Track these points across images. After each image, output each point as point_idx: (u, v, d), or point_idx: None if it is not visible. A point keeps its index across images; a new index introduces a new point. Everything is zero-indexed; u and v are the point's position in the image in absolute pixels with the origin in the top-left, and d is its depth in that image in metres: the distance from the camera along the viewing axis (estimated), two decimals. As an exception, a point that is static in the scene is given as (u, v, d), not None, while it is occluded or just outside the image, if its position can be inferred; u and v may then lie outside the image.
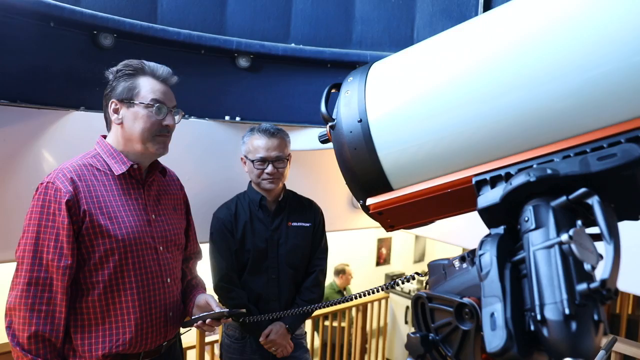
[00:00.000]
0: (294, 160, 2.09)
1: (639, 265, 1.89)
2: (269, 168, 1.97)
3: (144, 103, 1.42)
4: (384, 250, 8.09)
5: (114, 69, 1.47)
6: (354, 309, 4.63)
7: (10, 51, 1.83)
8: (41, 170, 1.91)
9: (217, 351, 2.84)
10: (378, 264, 7.92)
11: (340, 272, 5.84)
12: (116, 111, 1.44)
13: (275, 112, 2.35)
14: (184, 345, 2.62)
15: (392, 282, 0.98)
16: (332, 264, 6.21)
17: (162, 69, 1.48)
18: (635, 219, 0.65)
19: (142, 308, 1.43)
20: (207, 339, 2.88)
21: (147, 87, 1.44)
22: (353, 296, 1.14)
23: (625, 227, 0.61)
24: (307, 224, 2.10)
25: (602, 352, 1.88)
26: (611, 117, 0.61)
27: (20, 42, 1.85)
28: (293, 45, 2.29)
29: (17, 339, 1.30)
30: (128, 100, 1.43)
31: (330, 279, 5.77)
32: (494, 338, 0.53)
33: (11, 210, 1.84)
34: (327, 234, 2.21)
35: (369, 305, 4.65)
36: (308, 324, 3.85)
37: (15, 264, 1.35)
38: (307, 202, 2.18)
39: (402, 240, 8.07)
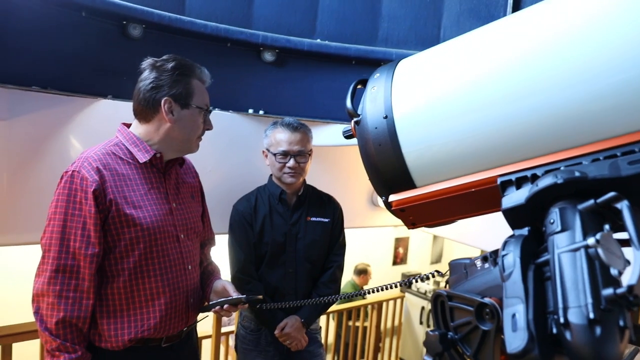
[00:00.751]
0: (315, 155, 2.09)
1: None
2: (291, 162, 1.97)
3: (200, 107, 1.47)
4: (401, 250, 8.06)
5: (164, 64, 1.43)
6: (369, 307, 4.63)
7: (42, 39, 1.87)
8: (67, 155, 1.95)
9: (231, 342, 2.87)
10: (395, 263, 7.89)
11: (362, 272, 5.82)
12: (170, 110, 1.42)
13: (299, 106, 2.35)
14: (199, 335, 2.68)
15: (409, 279, 0.98)
16: (348, 261, 6.19)
17: (207, 74, 1.51)
18: (664, 225, 0.64)
19: (165, 294, 1.46)
20: (223, 330, 2.91)
21: (200, 91, 1.48)
22: (370, 290, 1.14)
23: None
24: (326, 220, 2.10)
25: (621, 362, 1.85)
26: (644, 121, 0.59)
27: (52, 30, 1.88)
28: (319, 40, 2.29)
29: (45, 324, 1.33)
30: (184, 101, 1.43)
31: (348, 277, 5.76)
32: (515, 339, 0.53)
33: (40, 193, 1.88)
34: (345, 231, 2.21)
35: (384, 304, 4.63)
36: (323, 320, 3.87)
37: (39, 247, 1.39)
38: (326, 197, 2.18)
39: (420, 240, 8.02)
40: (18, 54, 1.82)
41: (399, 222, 0.85)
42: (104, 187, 1.36)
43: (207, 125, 1.52)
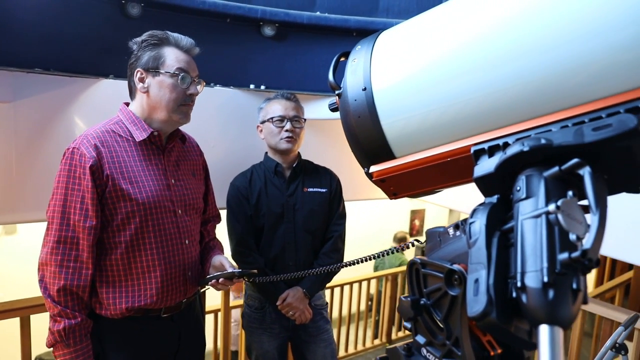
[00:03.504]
0: (318, 129, 2.11)
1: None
2: (288, 125, 2.01)
3: (170, 72, 1.47)
4: (417, 222, 8.08)
5: (138, 39, 1.51)
6: (383, 278, 4.68)
7: (43, 22, 1.89)
8: (72, 134, 1.99)
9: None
10: (411, 235, 7.92)
11: (401, 239, 5.85)
12: (141, 80, 1.49)
13: (300, 80, 2.34)
14: (208, 309, 2.75)
15: (390, 249, 1.00)
16: (364, 234, 6.24)
17: (186, 40, 1.52)
18: (637, 191, 0.64)
19: (161, 267, 1.51)
20: (232, 303, 2.98)
21: (172, 57, 1.49)
22: (356, 260, 1.16)
23: None
24: (323, 190, 2.12)
25: (620, 328, 1.86)
26: (612, 86, 0.59)
27: (53, 12, 1.90)
28: (318, 13, 2.27)
29: (48, 291, 1.40)
30: (154, 69, 1.47)
31: (355, 247, 5.80)
32: (475, 303, 0.55)
33: (47, 172, 1.94)
34: (356, 203, 2.22)
35: (400, 275, 4.68)
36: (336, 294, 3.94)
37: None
38: (322, 169, 2.20)
39: (436, 212, 8.02)
40: (20, 37, 1.85)
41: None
42: (101, 163, 1.41)
43: (189, 91, 1.51)
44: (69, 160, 1.42)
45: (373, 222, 7.01)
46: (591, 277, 5.48)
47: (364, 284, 4.52)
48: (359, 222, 5.81)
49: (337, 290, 4.08)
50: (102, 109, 1.88)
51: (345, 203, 2.22)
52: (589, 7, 0.59)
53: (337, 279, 3.95)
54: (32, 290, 2.36)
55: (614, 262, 5.42)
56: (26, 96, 1.90)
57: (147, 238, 1.48)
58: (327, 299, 3.75)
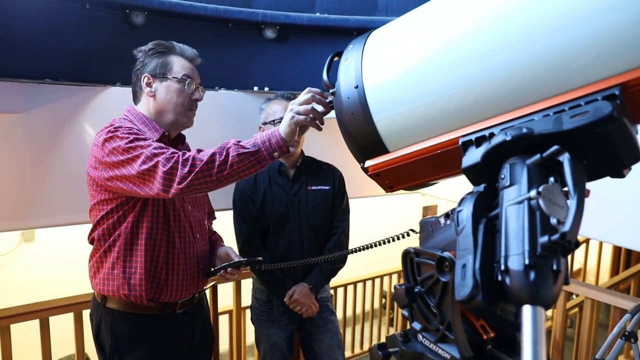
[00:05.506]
0: (324, 127, 2.13)
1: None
2: None
3: (177, 78, 1.54)
4: (429, 219, 8.02)
5: (144, 47, 1.58)
6: (395, 275, 4.67)
7: (50, 34, 1.95)
8: (83, 141, 2.05)
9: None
10: (424, 231, 7.86)
11: None
12: (149, 85, 1.55)
13: (303, 81, 2.37)
14: (221, 310, 2.79)
15: (385, 239, 1.02)
16: (375, 231, 6.22)
17: (190, 50, 1.61)
18: (621, 175, 0.66)
19: (173, 261, 1.57)
20: (243, 304, 3.02)
21: (179, 64, 1.56)
22: (353, 250, 1.18)
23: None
24: (327, 187, 2.15)
25: (627, 316, 1.85)
26: (590, 75, 0.61)
27: (59, 24, 1.96)
28: (318, 14, 2.30)
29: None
30: (161, 75, 1.54)
31: (358, 243, 5.80)
32: (463, 287, 0.57)
33: (60, 178, 1.99)
34: (367, 201, 2.24)
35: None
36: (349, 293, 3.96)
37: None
38: (325, 166, 2.23)
39: (448, 208, 7.96)
40: (28, 49, 1.91)
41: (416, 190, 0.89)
42: None
43: (194, 96, 1.58)
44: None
45: (385, 220, 7.00)
46: (606, 267, 5.44)
47: (377, 281, 4.52)
48: (370, 220, 5.80)
49: (350, 288, 4.10)
50: (110, 116, 1.93)
51: (354, 200, 2.25)
52: (564, 2, 0.61)
53: (349, 277, 3.96)
54: (50, 297, 2.43)
55: (629, 252, 5.37)
56: (38, 106, 1.96)
57: (160, 234, 1.54)
58: (340, 298, 3.78)
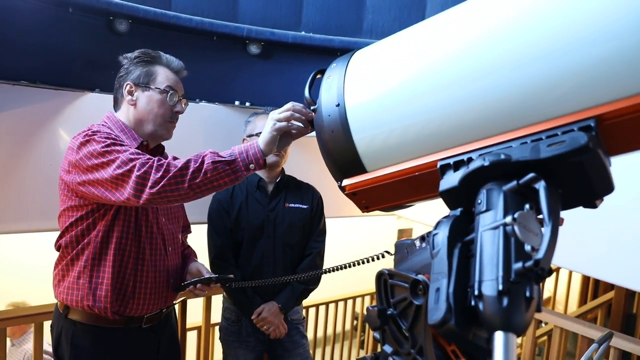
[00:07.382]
0: (304, 146, 2.13)
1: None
2: None
3: (160, 88, 1.52)
4: (403, 242, 8.04)
5: (131, 55, 1.56)
6: (367, 297, 4.64)
7: (31, 35, 1.92)
8: (57, 147, 2.00)
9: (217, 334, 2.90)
10: (398, 254, 7.86)
11: None
12: (130, 93, 1.52)
13: (285, 98, 2.34)
14: (190, 326, 2.73)
15: (361, 260, 1.02)
16: (351, 253, 6.19)
17: (177, 62, 1.59)
18: (593, 206, 0.67)
19: (142, 274, 1.52)
20: (213, 321, 2.95)
21: (163, 75, 1.54)
22: (327, 270, 1.18)
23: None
24: (305, 206, 2.14)
25: (594, 346, 1.87)
26: (567, 107, 0.62)
27: (40, 26, 1.93)
28: (303, 33, 2.32)
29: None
30: (144, 84, 1.52)
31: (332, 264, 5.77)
32: (436, 311, 0.57)
33: (30, 184, 1.94)
34: (343, 220, 2.24)
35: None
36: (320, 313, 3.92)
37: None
38: (305, 185, 2.22)
39: (423, 232, 8.00)
40: (6, 49, 1.87)
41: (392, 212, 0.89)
42: None
43: (176, 108, 1.56)
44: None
45: (360, 242, 7.00)
46: (574, 297, 5.52)
47: (350, 302, 4.49)
48: (344, 241, 5.79)
49: (322, 309, 4.06)
50: (87, 122, 1.89)
51: (330, 221, 2.24)
52: (550, 31, 0.62)
53: (321, 298, 3.92)
54: (11, 301, 2.34)
55: (597, 282, 5.47)
56: (11, 108, 1.91)
57: (130, 246, 1.50)
58: (312, 318, 3.73)
